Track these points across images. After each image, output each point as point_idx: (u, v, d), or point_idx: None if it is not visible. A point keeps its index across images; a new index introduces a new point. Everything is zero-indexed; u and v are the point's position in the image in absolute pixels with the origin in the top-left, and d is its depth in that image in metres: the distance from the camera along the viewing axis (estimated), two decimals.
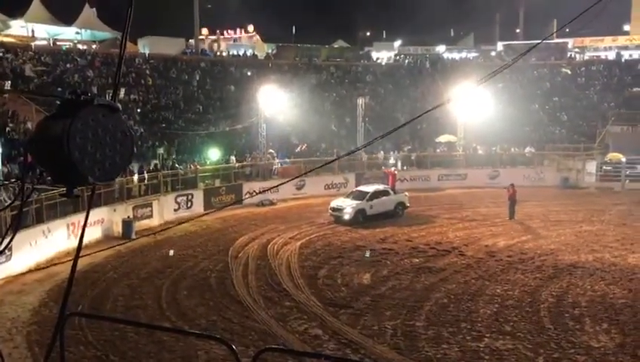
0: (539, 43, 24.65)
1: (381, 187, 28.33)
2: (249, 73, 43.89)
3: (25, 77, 33.25)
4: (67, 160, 2.00)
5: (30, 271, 18.65)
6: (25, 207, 18.59)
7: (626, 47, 53.74)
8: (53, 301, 16.31)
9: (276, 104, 34.01)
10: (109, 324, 14.24)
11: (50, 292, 17.04)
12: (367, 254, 21.21)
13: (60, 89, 32.30)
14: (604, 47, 55.12)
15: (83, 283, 17.30)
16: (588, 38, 54.03)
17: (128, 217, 24.30)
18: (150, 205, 26.14)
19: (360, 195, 27.03)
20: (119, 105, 2.17)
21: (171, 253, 21.53)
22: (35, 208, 19.94)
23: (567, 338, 13.69)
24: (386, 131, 14.62)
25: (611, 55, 52.22)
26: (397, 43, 60.53)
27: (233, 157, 32.54)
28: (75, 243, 20.86)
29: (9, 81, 31.32)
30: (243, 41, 57.01)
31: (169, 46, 45.09)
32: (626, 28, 59.58)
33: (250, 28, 58.80)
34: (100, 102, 2.09)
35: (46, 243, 20.22)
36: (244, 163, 32.64)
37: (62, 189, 2.20)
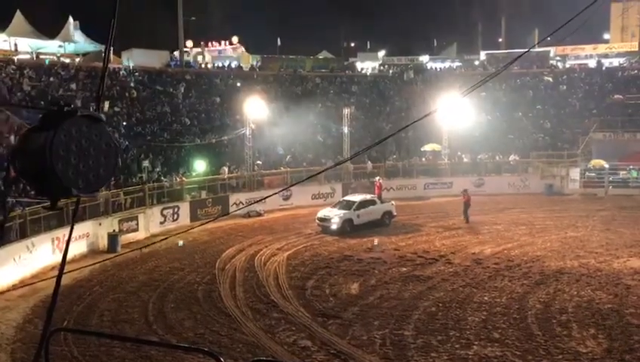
0: (523, 53, 24.91)
1: (368, 196, 28.38)
2: (234, 85, 43.88)
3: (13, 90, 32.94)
4: (50, 172, 1.98)
5: (14, 286, 18.38)
6: (8, 222, 18.38)
7: (606, 55, 54.59)
8: (37, 317, 16.07)
9: (262, 115, 34.02)
10: (95, 339, 14.06)
11: (34, 309, 16.78)
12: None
13: (42, 102, 32.06)
14: (585, 55, 55.96)
15: (68, 298, 17.09)
16: (569, 47, 54.84)
17: (114, 231, 24.08)
18: (136, 218, 25.94)
19: (347, 205, 27.05)
20: (103, 116, 2.16)
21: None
22: (18, 223, 19.69)
23: (555, 344, 13.75)
24: (371, 140, 14.70)
25: (592, 63, 53.00)
26: (381, 53, 60.94)
27: (225, 168, 32.42)
28: (60, 257, 20.61)
29: None
30: (228, 53, 57.02)
31: (153, 58, 44.95)
32: (606, 36, 60.55)
33: (235, 39, 58.86)
34: (83, 113, 2.08)
35: (30, 259, 19.95)
36: (230, 175, 32.56)
37: (45, 202, 2.17)
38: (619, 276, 18.99)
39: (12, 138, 27.54)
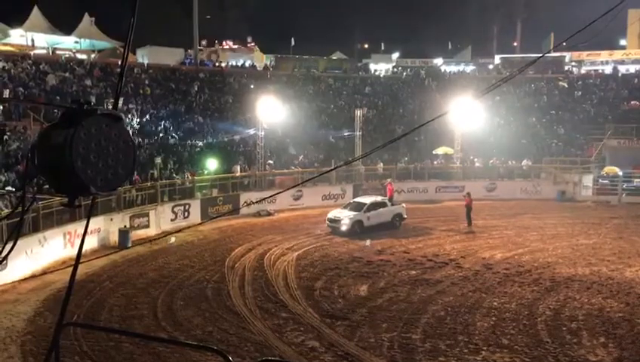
0: (538, 58, 24.82)
1: (379, 198, 28.34)
2: (248, 84, 43.97)
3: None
4: (69, 169, 1.99)
5: (26, 280, 18.54)
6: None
7: (622, 62, 54.05)
8: (48, 310, 16.22)
9: (274, 115, 34.05)
10: (104, 334, 14.14)
11: (45, 302, 16.94)
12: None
13: (58, 98, 32.31)
14: (601, 61, 55.43)
15: (79, 292, 17.19)
16: (585, 52, 54.36)
17: (125, 226, 24.21)
18: (147, 215, 26.08)
19: (357, 206, 27.01)
20: (122, 115, 2.17)
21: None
22: (31, 216, 19.85)
23: (564, 352, 13.65)
24: (383, 142, 14.66)
25: (608, 69, 52.54)
26: (395, 55, 60.75)
27: (237, 167, 32.51)
28: (71, 252, 20.80)
29: (8, 90, 31.30)
30: (242, 52, 57.15)
31: (168, 56, 45.18)
32: (623, 42, 59.95)
33: (249, 39, 59.00)
34: (103, 112, 2.09)
35: (42, 252, 20.13)
36: (243, 173, 32.66)
37: (62, 199, 2.18)
38: (631, 285, 18.82)
39: (28, 133, 27.86)
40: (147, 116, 36.24)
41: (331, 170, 28.60)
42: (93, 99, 32.77)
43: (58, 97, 32.43)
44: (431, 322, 15.61)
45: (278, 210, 30.81)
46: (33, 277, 18.63)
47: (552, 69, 50.32)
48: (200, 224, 26.27)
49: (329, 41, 63.45)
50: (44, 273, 18.67)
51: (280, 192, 25.73)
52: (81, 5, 44.81)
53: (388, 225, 26.89)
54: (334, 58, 57.85)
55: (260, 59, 54.82)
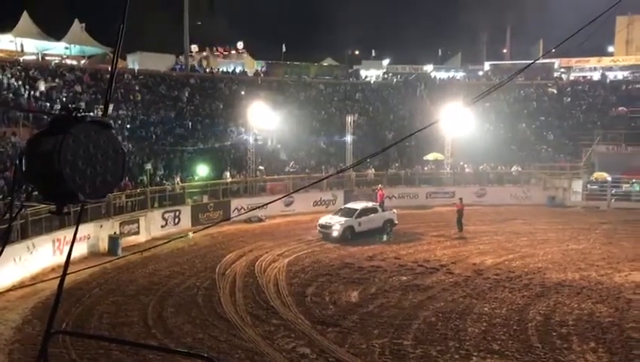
0: (528, 66, 24.94)
1: (370, 204, 28.36)
2: (238, 90, 43.93)
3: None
4: (58, 177, 1.98)
5: (14, 287, 18.36)
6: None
7: (610, 68, 54.60)
8: (36, 318, 16.06)
9: (265, 121, 34.02)
10: (93, 342, 14.02)
11: (33, 310, 16.78)
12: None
13: (47, 104, 32.12)
14: (590, 68, 55.97)
15: (68, 300, 17.06)
16: (574, 59, 54.86)
17: (115, 233, 24.07)
18: (137, 221, 25.94)
19: (348, 212, 27.03)
20: (112, 122, 2.16)
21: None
22: (20, 223, 19.69)
23: (554, 357, 13.70)
24: (374, 148, 14.72)
25: (596, 75, 53.04)
26: (385, 61, 60.97)
27: (227, 173, 32.44)
28: (60, 259, 20.62)
29: None
30: (233, 58, 57.09)
31: (158, 62, 45.00)
32: (610, 49, 60.56)
33: (240, 45, 58.96)
34: (92, 119, 2.08)
35: (31, 259, 19.94)
36: (233, 180, 32.59)
37: (51, 206, 2.17)
38: (620, 289, 18.94)
39: (16, 139, 27.64)
40: (137, 122, 36.08)
41: (324, 178, 28.67)
42: (83, 105, 32.63)
43: (48, 103, 32.23)
44: (422, 328, 15.62)
45: (269, 216, 30.76)
46: (22, 286, 18.45)
47: (541, 76, 50.70)
48: (193, 232, 26.16)
49: (320, 48, 63.63)
50: (32, 281, 18.49)
51: (272, 201, 25.65)
52: (71, 11, 44.68)
53: (379, 230, 26.91)
54: (325, 64, 57.92)
55: (251, 65, 54.76)
